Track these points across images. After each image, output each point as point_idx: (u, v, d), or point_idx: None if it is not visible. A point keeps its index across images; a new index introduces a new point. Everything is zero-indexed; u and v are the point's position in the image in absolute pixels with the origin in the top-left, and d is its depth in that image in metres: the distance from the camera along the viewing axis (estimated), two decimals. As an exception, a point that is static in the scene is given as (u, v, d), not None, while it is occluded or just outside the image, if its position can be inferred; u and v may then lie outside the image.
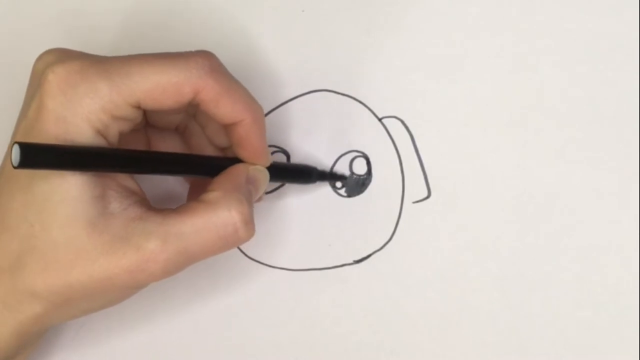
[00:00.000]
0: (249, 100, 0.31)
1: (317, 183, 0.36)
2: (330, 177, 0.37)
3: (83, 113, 0.28)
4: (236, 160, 0.32)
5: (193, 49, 0.31)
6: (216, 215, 0.29)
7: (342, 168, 0.37)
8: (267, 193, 0.37)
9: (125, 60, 0.29)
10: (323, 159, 0.37)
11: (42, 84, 0.28)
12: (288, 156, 0.37)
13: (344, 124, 0.37)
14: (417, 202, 0.36)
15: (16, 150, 0.25)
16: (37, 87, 0.29)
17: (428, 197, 0.36)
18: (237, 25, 0.37)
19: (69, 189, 0.28)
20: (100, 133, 0.29)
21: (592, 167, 0.35)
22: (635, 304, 0.35)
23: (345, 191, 0.37)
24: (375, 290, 0.36)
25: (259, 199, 0.34)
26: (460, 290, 0.36)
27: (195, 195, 0.31)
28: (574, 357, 0.35)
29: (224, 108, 0.30)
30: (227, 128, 0.32)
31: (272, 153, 0.37)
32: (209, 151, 0.34)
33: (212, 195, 0.30)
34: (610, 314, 0.35)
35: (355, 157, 0.37)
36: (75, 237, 0.28)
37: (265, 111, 0.37)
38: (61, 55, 0.29)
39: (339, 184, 0.37)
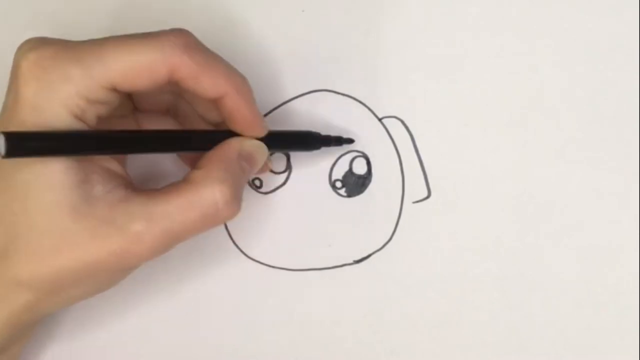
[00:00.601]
0: (230, 72, 0.31)
1: (323, 149, 0.36)
2: (335, 141, 0.36)
3: (58, 99, 0.28)
4: (233, 133, 0.32)
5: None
6: (198, 194, 0.29)
7: (342, 168, 0.37)
8: (266, 193, 0.37)
9: (97, 43, 0.29)
10: (323, 159, 0.37)
11: (16, 72, 0.28)
12: (288, 156, 0.37)
13: (344, 124, 0.37)
14: (417, 202, 0.36)
15: (1, 140, 0.25)
16: (13, 76, 0.29)
17: (428, 197, 0.36)
18: (237, 26, 0.37)
19: (51, 175, 0.28)
20: (78, 117, 0.28)
21: (592, 167, 0.35)
22: (635, 304, 0.35)
23: (345, 191, 0.37)
24: (375, 290, 0.36)
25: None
26: (460, 290, 0.36)
27: None
28: (574, 357, 0.35)
29: (204, 83, 0.30)
30: (216, 103, 0.31)
31: (272, 153, 0.37)
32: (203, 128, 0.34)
33: (196, 173, 0.30)
34: (610, 314, 0.35)
35: (355, 157, 0.37)
36: (59, 223, 0.28)
37: (266, 111, 0.37)
38: (36, 43, 0.29)
39: (338, 184, 0.37)
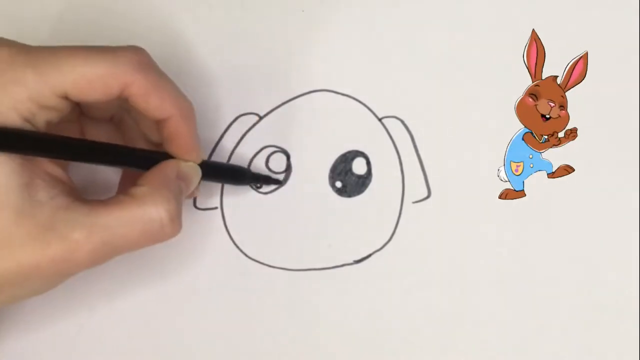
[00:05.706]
0: (178, 96, 0.31)
1: (264, 188, 0.37)
2: (264, 180, 0.37)
3: (9, 101, 0.28)
4: (169, 155, 0.33)
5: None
6: (142, 211, 0.30)
7: (342, 168, 0.37)
8: (266, 193, 0.37)
9: (53, 51, 0.29)
10: (323, 159, 0.37)
11: None
12: (288, 156, 0.37)
13: (344, 124, 0.37)
14: (417, 202, 0.36)
15: None
16: None
17: (428, 197, 0.36)
18: (237, 26, 0.37)
19: None
20: (27, 121, 0.29)
21: (593, 167, 0.35)
22: (635, 304, 0.35)
23: (346, 191, 0.37)
24: (375, 290, 0.36)
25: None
26: (460, 290, 0.36)
27: (126, 186, 0.31)
28: (574, 357, 0.35)
29: (152, 103, 0.31)
30: (158, 124, 0.32)
31: (272, 153, 0.37)
32: (142, 146, 0.35)
33: (140, 190, 0.30)
34: (610, 314, 0.35)
35: (355, 157, 0.37)
36: (1, 224, 0.28)
37: (265, 111, 0.37)
38: None
39: (339, 184, 0.37)
